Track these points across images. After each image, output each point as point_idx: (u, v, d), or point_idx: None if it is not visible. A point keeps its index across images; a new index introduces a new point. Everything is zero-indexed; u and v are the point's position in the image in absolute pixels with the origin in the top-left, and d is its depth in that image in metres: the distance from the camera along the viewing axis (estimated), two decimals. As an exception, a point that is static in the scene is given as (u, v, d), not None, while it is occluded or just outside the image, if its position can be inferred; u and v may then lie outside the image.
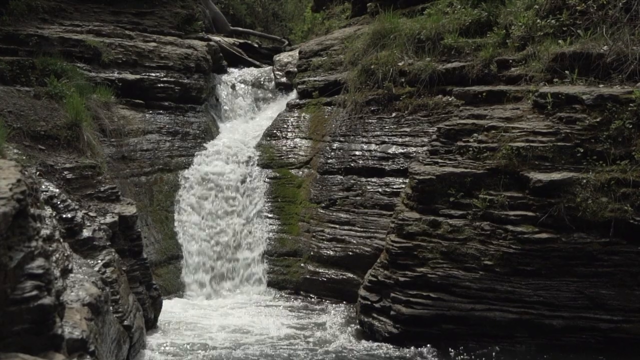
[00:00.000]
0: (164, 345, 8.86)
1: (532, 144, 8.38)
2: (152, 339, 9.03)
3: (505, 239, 8.24)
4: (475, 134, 8.94)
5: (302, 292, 11.77)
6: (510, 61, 10.14)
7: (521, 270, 8.20)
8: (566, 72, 9.02)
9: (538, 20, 10.07)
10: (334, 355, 8.49)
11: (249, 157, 13.48)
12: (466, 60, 11.07)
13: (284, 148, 13.53)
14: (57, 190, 7.93)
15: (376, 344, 8.91)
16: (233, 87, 16.09)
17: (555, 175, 8.11)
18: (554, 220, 8.06)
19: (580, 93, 8.40)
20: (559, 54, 9.24)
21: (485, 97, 9.63)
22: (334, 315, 10.49)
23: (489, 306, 8.33)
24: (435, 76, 11.35)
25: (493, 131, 8.82)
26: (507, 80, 9.97)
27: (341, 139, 12.51)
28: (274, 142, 13.76)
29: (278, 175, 13.12)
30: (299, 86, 14.59)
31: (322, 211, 12.03)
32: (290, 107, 14.42)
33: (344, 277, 11.34)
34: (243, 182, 12.94)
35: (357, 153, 12.04)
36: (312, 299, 11.49)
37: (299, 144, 13.50)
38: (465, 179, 8.68)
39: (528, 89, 9.22)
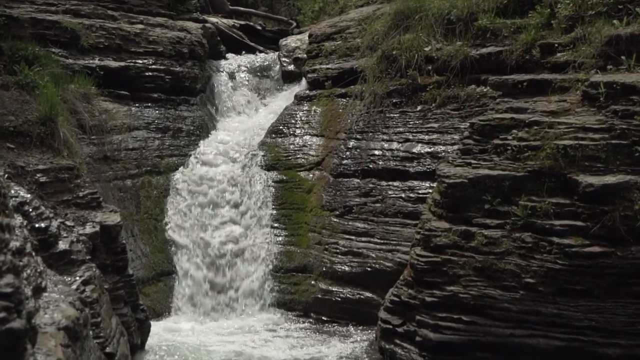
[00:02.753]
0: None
1: (581, 142, 8.30)
2: (139, 369, 9.04)
3: (550, 252, 8.15)
4: (515, 131, 8.86)
5: (312, 314, 11.73)
6: (556, 45, 10.07)
7: (569, 290, 8.11)
8: (622, 57, 8.93)
9: (589, -3, 10.01)
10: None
11: (251, 157, 13.48)
12: (504, 44, 11.00)
13: (291, 147, 13.52)
14: (29, 195, 7.93)
15: (399, 375, 8.88)
16: (232, 76, 16.11)
17: (609, 179, 8.02)
18: (607, 231, 7.96)
19: (639, 82, 8.33)
20: (614, 37, 9.15)
21: (526, 88, 9.57)
22: (350, 342, 10.45)
23: (531, 331, 8.24)
24: (468, 63, 11.30)
25: (535, 127, 8.74)
26: (552, 68, 9.89)
27: (358, 136, 12.48)
28: (279, 139, 13.75)
29: (285, 178, 13.10)
30: (309, 75, 14.58)
31: (335, 220, 12.00)
32: (299, 99, 14.41)
33: (361, 296, 11.30)
34: (244, 186, 12.93)
35: (376, 153, 12.01)
36: (324, 322, 11.45)
37: (309, 142, 13.48)
38: (502, 182, 8.61)
39: (577, 77, 9.14)
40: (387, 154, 11.85)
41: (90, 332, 6.98)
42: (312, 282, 11.86)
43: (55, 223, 7.89)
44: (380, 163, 11.86)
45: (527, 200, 8.40)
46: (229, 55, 17.12)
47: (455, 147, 10.10)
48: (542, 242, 8.23)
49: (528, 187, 8.48)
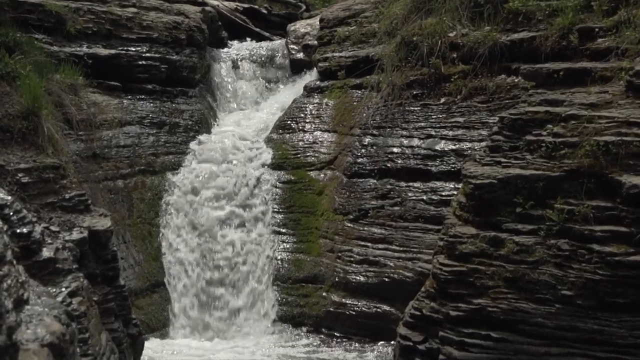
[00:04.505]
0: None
1: (625, 138, 8.24)
2: (131, 390, 9.04)
3: (590, 262, 8.10)
4: (550, 126, 8.82)
5: (323, 330, 11.73)
6: (597, 30, 10.02)
7: (611, 304, 8.06)
8: (670, 43, 8.91)
9: (633, -24, 9.97)
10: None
11: (256, 155, 13.48)
12: (538, 29, 10.96)
13: (300, 144, 13.53)
14: (9, 197, 7.93)
15: (420, 398, 8.86)
16: (235, 65, 16.13)
17: (656, 179, 7.99)
18: (654, 238, 7.94)
19: (689, 71, 8.28)
20: (661, 20, 9.13)
21: (563, 78, 9.52)
22: (366, 361, 10.47)
23: (568, 349, 8.20)
24: (497, 50, 11.26)
25: (573, 121, 8.69)
26: (592, 55, 9.84)
27: (374, 131, 12.46)
28: (287, 135, 13.75)
29: (293, 178, 13.11)
30: (320, 64, 14.58)
31: (349, 225, 11.99)
32: (309, 91, 14.42)
33: (378, 310, 11.30)
34: (247, 187, 12.92)
35: (395, 150, 12.00)
36: (337, 339, 11.45)
37: (320, 139, 13.48)
38: (536, 183, 8.57)
39: (620, 66, 9.09)
40: (406, 151, 11.82)
41: (78, 349, 6.96)
42: (324, 294, 11.85)
43: (38, 228, 7.88)
44: (399, 162, 11.83)
45: (564, 203, 8.35)
46: (231, 42, 17.13)
47: (483, 143, 10.07)
48: (581, 250, 8.18)
49: (565, 188, 8.44)
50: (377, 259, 11.40)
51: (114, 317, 9.11)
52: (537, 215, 8.50)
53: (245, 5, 19.53)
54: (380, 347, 10.90)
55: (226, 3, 18.83)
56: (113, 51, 13.58)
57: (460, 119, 11.52)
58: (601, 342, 8.09)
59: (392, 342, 9.97)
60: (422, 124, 11.90)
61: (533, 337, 8.31)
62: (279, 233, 12.63)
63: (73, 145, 11.71)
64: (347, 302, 11.56)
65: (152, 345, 10.67)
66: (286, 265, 12.32)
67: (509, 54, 11.20)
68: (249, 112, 15.27)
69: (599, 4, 10.24)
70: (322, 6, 19.29)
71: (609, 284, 7.99)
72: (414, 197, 11.42)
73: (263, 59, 16.42)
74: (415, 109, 12.12)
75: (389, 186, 11.81)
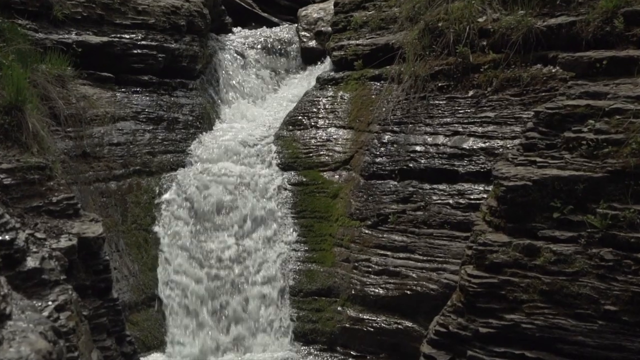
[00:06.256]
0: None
1: (675, 135, 8.23)
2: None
3: (637, 273, 8.06)
4: (591, 121, 8.79)
5: (338, 348, 11.74)
6: (644, 14, 10.00)
7: (660, 320, 8.04)
8: None
9: (687, -47, 9.92)
10: None
11: (263, 154, 13.49)
12: (578, 13, 10.93)
13: (313, 141, 13.54)
14: (-9, 201, 7.96)
15: None
16: (240, 54, 16.12)
17: None
18: None
19: None
20: None
21: (606, 67, 9.47)
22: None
23: (612, 371, 8.19)
24: (533, 37, 11.22)
25: (617, 116, 8.66)
26: (639, 42, 9.82)
27: (395, 128, 12.44)
28: (298, 132, 13.76)
29: (305, 179, 13.12)
30: (334, 53, 14.58)
31: (367, 232, 11.98)
32: (322, 82, 14.42)
33: (399, 326, 11.28)
34: (254, 190, 12.93)
35: (417, 149, 11.98)
36: (354, 358, 11.45)
37: (335, 136, 13.48)
38: (576, 185, 8.54)
39: (670, 54, 9.07)
40: (431, 150, 11.80)
41: (66, 370, 6.97)
42: (339, 308, 11.84)
43: (22, 235, 7.89)
44: (423, 161, 11.81)
45: (607, 207, 8.31)
46: (236, 28, 17.15)
47: (516, 141, 10.05)
48: (626, 260, 8.14)
49: (608, 191, 8.40)
50: (397, 269, 11.39)
51: (106, 333, 9.12)
52: (577, 221, 8.46)
53: (251, -12, 19.59)
54: (402, 368, 10.92)
55: (230, -15, 18.89)
56: (105, 38, 13.60)
57: (491, 114, 11.49)
58: (650, 363, 8.06)
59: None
60: (448, 119, 11.87)
61: (573, 357, 8.28)
62: (289, 241, 12.62)
63: (61, 143, 11.73)
64: (365, 317, 11.55)
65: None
66: (297, 277, 12.31)
67: (546, 41, 11.16)
68: (256, 107, 15.28)
69: (647, -15, 10.21)
70: (337, -12, 19.29)
71: (658, 298, 7.96)
72: (439, 201, 11.39)
73: (271, 47, 16.45)
74: (441, 102, 12.10)
75: (411, 189, 11.79)
